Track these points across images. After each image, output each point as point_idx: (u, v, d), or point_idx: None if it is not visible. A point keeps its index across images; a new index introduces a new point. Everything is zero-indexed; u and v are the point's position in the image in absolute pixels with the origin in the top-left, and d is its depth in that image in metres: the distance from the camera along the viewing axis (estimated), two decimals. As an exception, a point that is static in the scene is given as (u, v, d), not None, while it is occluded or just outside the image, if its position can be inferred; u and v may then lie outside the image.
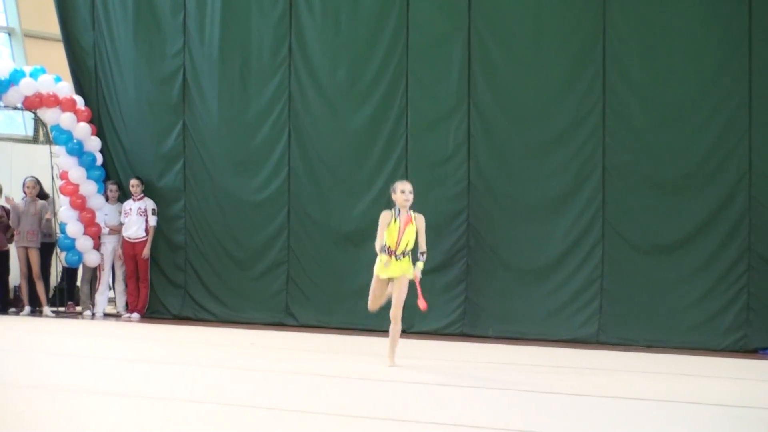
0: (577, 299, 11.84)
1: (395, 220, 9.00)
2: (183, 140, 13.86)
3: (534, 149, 12.05)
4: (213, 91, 13.65)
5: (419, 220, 9.15)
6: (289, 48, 13.18)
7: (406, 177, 12.25)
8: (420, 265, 9.11)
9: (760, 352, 10.93)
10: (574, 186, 11.88)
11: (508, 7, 12.17)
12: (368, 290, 9.55)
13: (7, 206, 14.32)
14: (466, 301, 12.28)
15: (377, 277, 9.22)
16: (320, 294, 12.84)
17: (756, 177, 11.16)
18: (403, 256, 9.08)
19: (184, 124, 13.83)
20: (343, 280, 12.69)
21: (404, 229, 9.01)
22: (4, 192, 14.68)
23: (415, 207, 9.29)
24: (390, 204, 9.23)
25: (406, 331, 11.65)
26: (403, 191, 9.04)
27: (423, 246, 9.18)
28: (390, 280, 9.20)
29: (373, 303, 9.45)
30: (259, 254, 13.41)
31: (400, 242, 9.01)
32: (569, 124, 11.88)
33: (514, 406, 7.40)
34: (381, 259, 9.06)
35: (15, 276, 14.66)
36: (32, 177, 14.36)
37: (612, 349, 11.14)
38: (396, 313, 9.12)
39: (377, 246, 9.03)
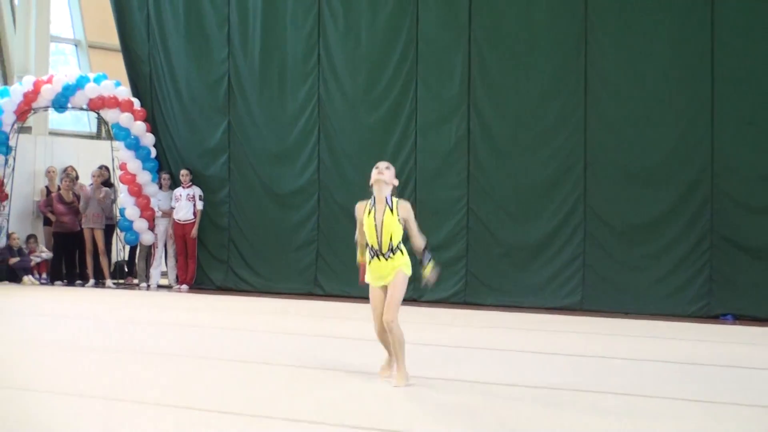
0: (562, 273, 12.47)
1: (369, 212, 6.89)
2: (228, 136, 14.63)
3: (525, 144, 12.66)
4: (254, 94, 14.43)
5: (402, 208, 6.88)
6: (318, 57, 13.95)
7: (415, 168, 12.99)
8: (429, 266, 6.94)
9: (721, 317, 11.65)
10: (559, 175, 12.48)
11: (504, 21, 12.81)
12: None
13: (80, 192, 15.20)
14: (467, 274, 12.90)
15: (371, 287, 7.00)
16: (345, 268, 13.24)
17: (718, 168, 11.73)
18: (393, 253, 6.83)
19: (228, 122, 14.61)
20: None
21: (382, 221, 6.81)
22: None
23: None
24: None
25: (417, 300, 12.41)
26: (377, 167, 6.93)
27: (418, 239, 6.90)
28: (385, 287, 6.93)
29: (376, 319, 7.00)
30: (293, 234, 14.15)
31: (381, 237, 6.80)
32: (555, 122, 12.49)
33: (509, 363, 7.89)
34: (359, 253, 7.14)
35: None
36: (99, 167, 15.13)
37: (593, 316, 11.74)
38: (388, 318, 6.77)
39: (357, 239, 7.17)
